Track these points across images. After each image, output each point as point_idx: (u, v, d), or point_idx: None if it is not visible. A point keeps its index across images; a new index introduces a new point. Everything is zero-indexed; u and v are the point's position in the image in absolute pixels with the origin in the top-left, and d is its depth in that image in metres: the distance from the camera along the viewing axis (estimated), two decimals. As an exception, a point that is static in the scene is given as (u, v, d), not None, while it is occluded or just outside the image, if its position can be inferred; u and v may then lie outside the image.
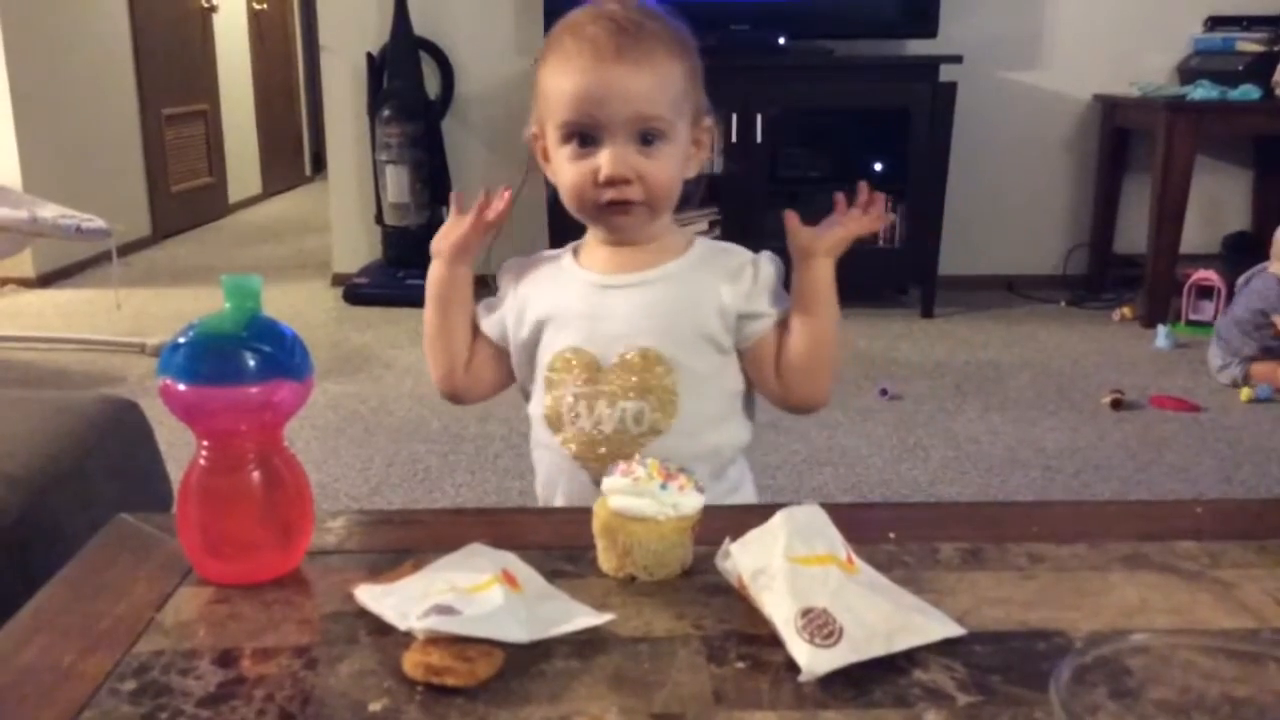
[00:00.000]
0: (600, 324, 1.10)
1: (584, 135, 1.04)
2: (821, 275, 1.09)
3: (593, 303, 1.11)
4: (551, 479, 1.14)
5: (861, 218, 1.10)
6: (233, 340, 0.76)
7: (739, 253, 1.14)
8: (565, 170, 1.07)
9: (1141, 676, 0.57)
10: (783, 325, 1.10)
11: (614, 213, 1.07)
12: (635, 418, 1.07)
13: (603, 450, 1.08)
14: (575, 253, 1.16)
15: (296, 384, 0.78)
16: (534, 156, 1.13)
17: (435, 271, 1.15)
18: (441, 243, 1.13)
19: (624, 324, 1.09)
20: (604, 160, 1.04)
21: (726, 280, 1.10)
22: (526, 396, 1.16)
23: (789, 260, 1.11)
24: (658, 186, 1.06)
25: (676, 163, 1.08)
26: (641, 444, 1.07)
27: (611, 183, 1.04)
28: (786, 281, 1.12)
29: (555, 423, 1.11)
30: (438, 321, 1.16)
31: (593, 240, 1.14)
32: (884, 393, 3.10)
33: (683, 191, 1.11)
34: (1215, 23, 4.10)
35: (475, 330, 1.17)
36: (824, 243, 1.08)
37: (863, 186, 1.10)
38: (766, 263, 1.12)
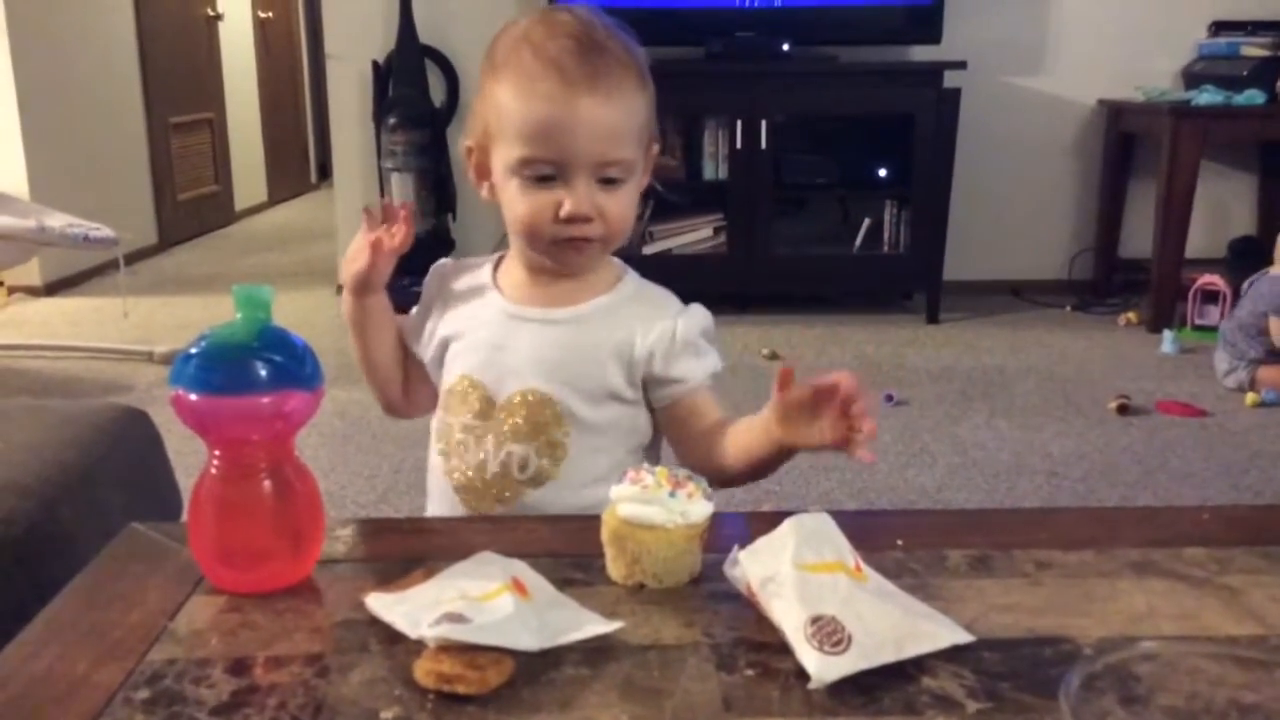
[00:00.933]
0: (501, 356, 1.05)
1: (544, 169, 0.99)
2: (777, 453, 0.96)
3: (498, 331, 1.06)
4: (437, 503, 1.11)
5: (838, 436, 0.89)
6: (244, 350, 0.76)
7: (662, 304, 1.08)
8: (518, 201, 1.01)
9: (1150, 683, 0.57)
10: (708, 390, 1.05)
11: (570, 249, 1.02)
12: (520, 463, 1.04)
13: (483, 490, 1.05)
14: (496, 269, 1.11)
15: (308, 394, 0.78)
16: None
17: (345, 303, 1.11)
18: (346, 274, 1.08)
19: (524, 361, 1.04)
20: (567, 198, 0.99)
21: (641, 333, 1.04)
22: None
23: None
24: (617, 223, 1.02)
25: (635, 197, 1.04)
26: (523, 491, 1.04)
27: (573, 220, 0.99)
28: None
29: (444, 450, 1.08)
30: (360, 353, 1.13)
31: (513, 259, 1.10)
32: (889, 399, 3.10)
33: None
34: (1220, 27, 4.11)
35: (408, 349, 1.14)
36: (788, 437, 0.93)
37: (859, 397, 0.87)
38: (687, 321, 1.06)
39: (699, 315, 1.08)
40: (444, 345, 1.10)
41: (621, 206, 1.02)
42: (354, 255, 1.06)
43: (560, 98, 0.96)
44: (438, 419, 1.11)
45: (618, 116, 0.99)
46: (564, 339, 1.05)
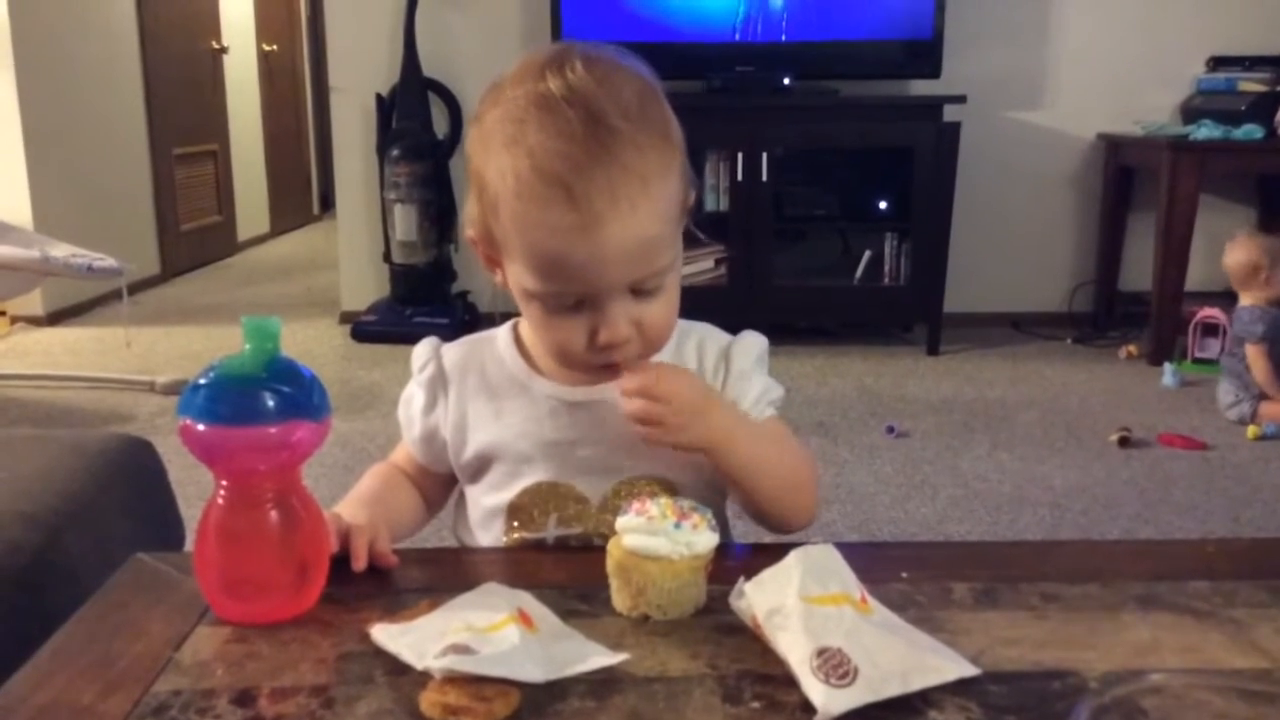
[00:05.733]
0: (578, 453, 0.95)
1: (566, 300, 0.86)
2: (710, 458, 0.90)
3: (560, 426, 0.95)
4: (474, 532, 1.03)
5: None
6: (252, 381, 0.77)
7: (710, 339, 1.00)
8: (540, 326, 0.90)
9: (1156, 717, 0.57)
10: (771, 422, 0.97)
11: (607, 371, 0.90)
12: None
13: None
14: (520, 345, 0.98)
15: (315, 424, 0.78)
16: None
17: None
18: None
19: (611, 452, 0.94)
20: (601, 326, 0.86)
21: (710, 370, 0.98)
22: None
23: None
24: (660, 332, 0.90)
25: (676, 293, 0.91)
26: None
27: (613, 346, 0.87)
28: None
29: (515, 538, 0.98)
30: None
31: None
32: (890, 430, 3.10)
33: None
34: (1218, 63, 4.14)
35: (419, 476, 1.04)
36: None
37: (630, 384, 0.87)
38: (738, 355, 0.98)
39: (752, 341, 1.00)
40: (488, 455, 0.97)
41: (663, 313, 0.89)
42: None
43: (574, 228, 0.81)
44: (492, 537, 0.99)
45: (647, 225, 0.83)
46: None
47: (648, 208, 0.82)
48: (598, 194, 0.80)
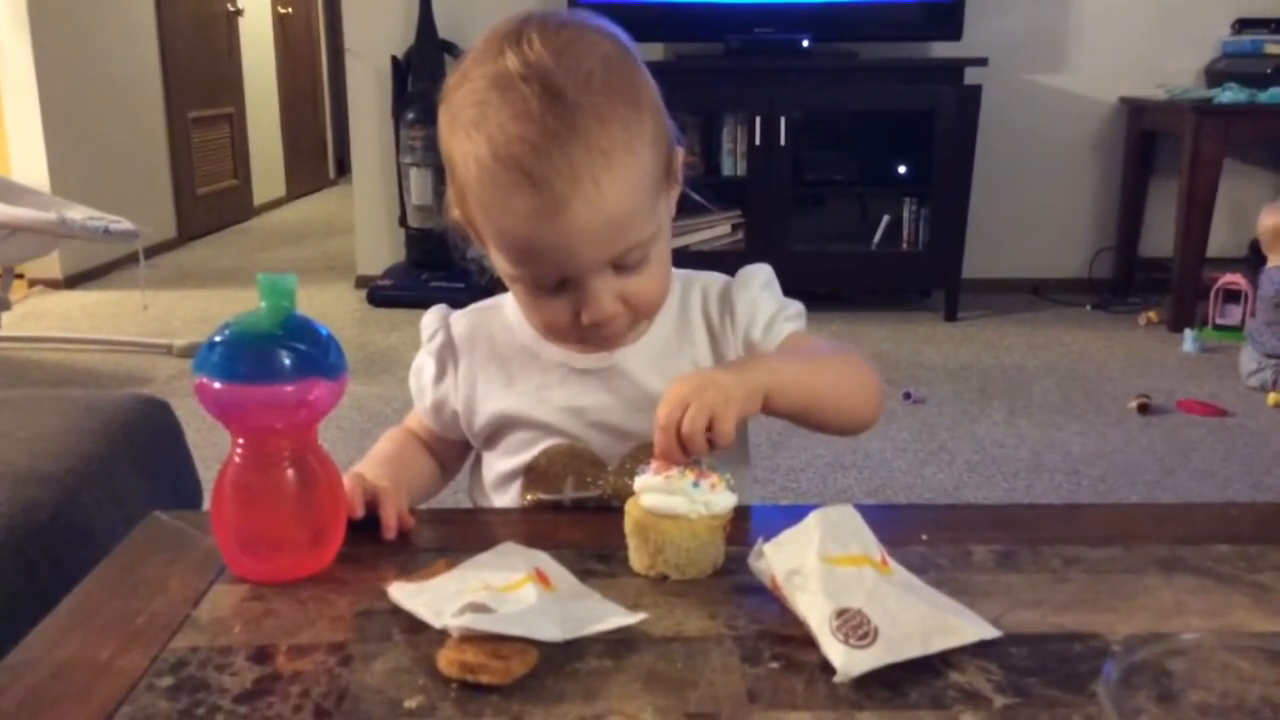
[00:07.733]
0: (592, 418, 0.94)
1: (545, 281, 0.85)
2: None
3: (573, 392, 0.94)
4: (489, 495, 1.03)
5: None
6: (268, 338, 0.76)
7: (712, 284, 0.99)
8: (526, 306, 0.90)
9: (1183, 680, 0.57)
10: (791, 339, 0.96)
11: (598, 342, 0.91)
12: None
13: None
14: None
15: (331, 382, 0.77)
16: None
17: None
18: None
19: (626, 417, 0.93)
20: (584, 306, 0.85)
21: (715, 317, 0.97)
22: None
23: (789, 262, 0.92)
24: (648, 301, 0.89)
25: (666, 259, 0.89)
26: None
27: (599, 325, 0.86)
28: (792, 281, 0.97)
29: (531, 499, 0.97)
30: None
31: None
32: (908, 396, 3.09)
33: None
34: (1243, 25, 4.08)
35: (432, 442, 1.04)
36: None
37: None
38: (740, 286, 0.97)
39: (752, 271, 0.99)
40: (500, 423, 0.97)
41: (650, 284, 0.87)
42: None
43: (537, 213, 0.79)
44: (508, 500, 0.99)
45: (616, 202, 0.80)
46: (649, 369, 0.94)
47: (614, 184, 0.79)
48: (558, 176, 0.78)
